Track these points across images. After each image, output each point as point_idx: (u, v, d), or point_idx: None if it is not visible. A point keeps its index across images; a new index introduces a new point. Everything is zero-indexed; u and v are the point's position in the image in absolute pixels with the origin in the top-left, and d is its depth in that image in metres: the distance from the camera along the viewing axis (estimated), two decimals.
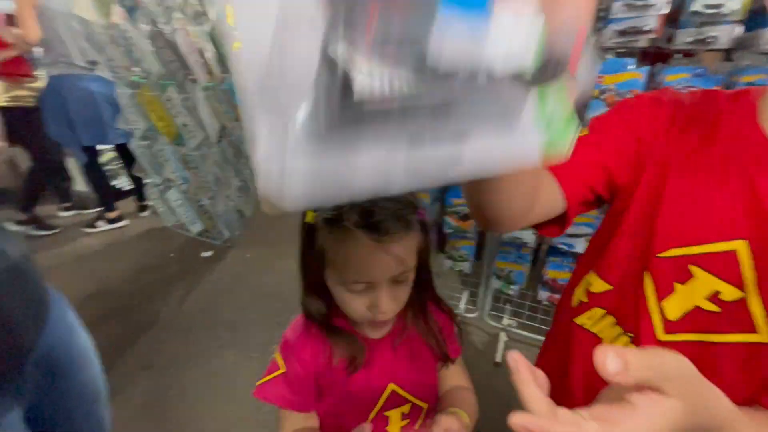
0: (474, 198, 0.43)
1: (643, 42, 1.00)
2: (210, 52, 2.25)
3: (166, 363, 1.68)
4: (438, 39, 0.14)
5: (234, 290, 2.14)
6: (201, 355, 1.72)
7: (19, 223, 2.61)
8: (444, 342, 0.62)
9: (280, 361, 0.59)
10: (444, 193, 1.49)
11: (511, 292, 1.52)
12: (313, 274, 0.54)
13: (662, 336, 0.46)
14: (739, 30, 0.92)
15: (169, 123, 2.21)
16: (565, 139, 0.20)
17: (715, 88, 0.96)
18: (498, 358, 1.66)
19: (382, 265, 0.49)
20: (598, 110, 1.09)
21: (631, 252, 0.48)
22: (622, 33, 1.01)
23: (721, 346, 0.43)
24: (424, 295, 0.60)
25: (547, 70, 0.17)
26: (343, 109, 0.14)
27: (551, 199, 0.48)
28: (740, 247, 0.40)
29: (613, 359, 0.23)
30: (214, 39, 2.30)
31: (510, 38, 0.16)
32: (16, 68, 2.25)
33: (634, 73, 1.03)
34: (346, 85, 0.14)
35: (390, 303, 0.52)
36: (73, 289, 2.13)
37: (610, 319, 0.51)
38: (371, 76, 0.14)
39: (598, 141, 0.49)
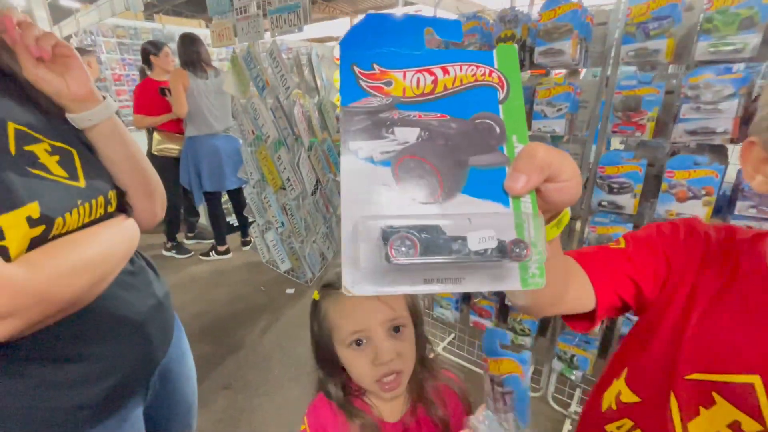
0: None
1: (717, 140, 0.99)
2: (316, 119, 2.68)
3: (242, 386, 1.91)
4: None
5: (308, 327, 2.36)
6: (271, 384, 1.92)
7: (167, 249, 3.30)
8: (448, 423, 0.64)
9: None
10: None
11: (573, 378, 1.44)
12: (323, 346, 0.61)
13: None
14: None
15: (276, 176, 2.62)
16: (539, 282, 0.27)
17: None
18: None
19: (374, 311, 0.57)
20: (668, 203, 1.08)
21: (659, 370, 0.51)
22: (692, 133, 1.01)
23: None
24: (423, 360, 0.65)
25: (504, 252, 0.25)
26: (385, 262, 0.24)
27: (583, 297, 0.53)
28: (758, 381, 0.42)
29: None
30: (321, 109, 2.73)
31: (484, 229, 0.25)
32: (171, 126, 2.97)
33: (708, 171, 1.00)
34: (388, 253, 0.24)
35: (391, 352, 0.57)
36: (183, 307, 2.56)
37: None
38: (403, 254, 0.24)
39: (632, 257, 0.54)
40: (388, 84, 0.26)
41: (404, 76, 0.26)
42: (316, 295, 0.63)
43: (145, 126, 2.97)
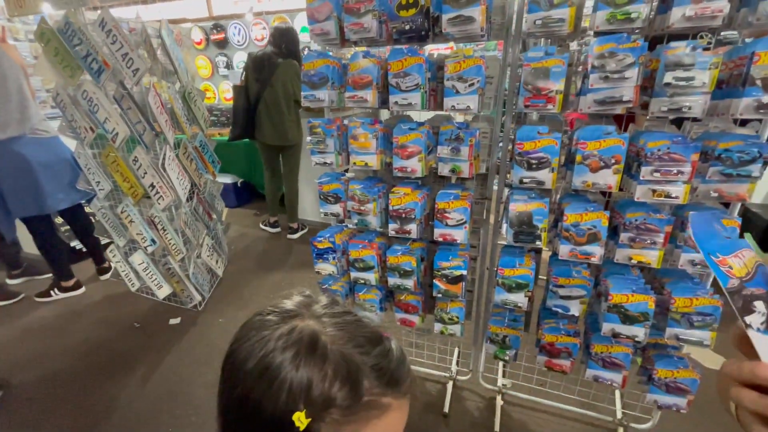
0: None
1: (620, 109, 1.02)
2: (180, 110, 2.19)
3: None
4: None
5: (207, 362, 1.95)
6: None
7: None
8: None
9: None
10: (432, 255, 1.43)
11: (507, 358, 1.44)
12: None
13: None
14: (707, 99, 0.94)
15: (134, 183, 2.09)
16: None
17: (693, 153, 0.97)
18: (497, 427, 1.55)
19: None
20: (583, 174, 1.09)
21: None
22: (601, 102, 1.02)
23: None
24: None
25: None
26: None
27: None
28: None
29: None
30: (186, 98, 2.25)
31: None
32: None
33: (616, 140, 1.04)
34: None
35: None
36: (17, 374, 1.88)
37: None
38: None
39: None
40: (729, 268, 0.35)
41: (729, 260, 0.36)
42: (302, 422, 0.36)
43: None
